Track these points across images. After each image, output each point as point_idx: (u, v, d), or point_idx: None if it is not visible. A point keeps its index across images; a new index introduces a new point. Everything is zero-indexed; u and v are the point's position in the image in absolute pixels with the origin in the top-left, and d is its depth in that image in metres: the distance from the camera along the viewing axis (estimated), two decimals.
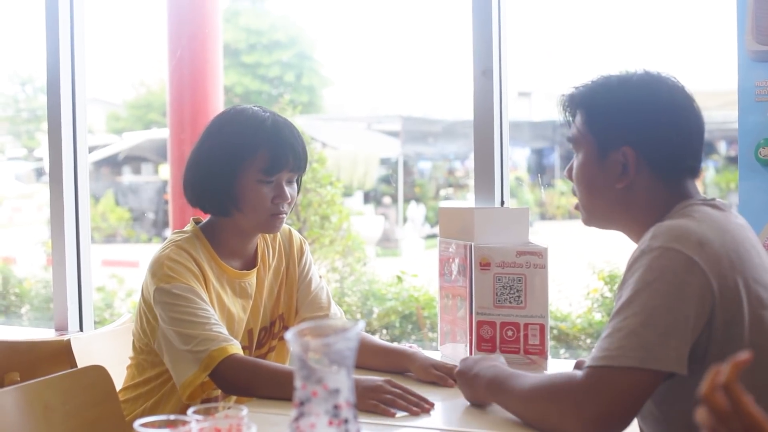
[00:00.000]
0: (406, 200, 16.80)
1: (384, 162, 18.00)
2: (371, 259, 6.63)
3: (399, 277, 5.95)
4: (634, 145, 1.79)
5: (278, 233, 2.52)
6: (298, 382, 1.21)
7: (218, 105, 6.06)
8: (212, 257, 2.36)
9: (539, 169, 18.63)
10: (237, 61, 19.99)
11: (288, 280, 2.55)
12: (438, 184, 18.74)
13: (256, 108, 2.38)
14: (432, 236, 15.31)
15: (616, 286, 4.54)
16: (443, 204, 15.59)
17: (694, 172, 1.85)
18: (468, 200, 16.57)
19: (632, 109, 1.81)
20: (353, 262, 6.39)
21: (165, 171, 15.82)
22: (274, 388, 2.12)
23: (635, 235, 1.84)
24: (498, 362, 1.98)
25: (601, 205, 1.87)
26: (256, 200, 2.30)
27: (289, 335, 1.20)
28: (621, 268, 4.50)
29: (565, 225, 15.42)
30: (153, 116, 20.03)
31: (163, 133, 15.65)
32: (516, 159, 17.68)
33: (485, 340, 2.41)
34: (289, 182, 2.36)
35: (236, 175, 2.30)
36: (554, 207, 16.42)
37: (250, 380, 2.16)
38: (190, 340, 2.17)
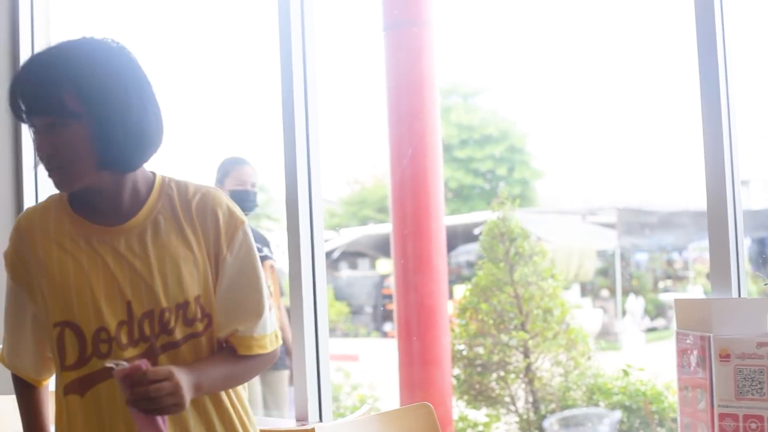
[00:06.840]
0: (624, 293, 16.48)
1: (600, 254, 17.76)
2: (594, 353, 6.55)
3: (625, 371, 5.87)
4: None
5: (202, 202, 1.98)
6: None
7: (439, 201, 6.21)
8: (64, 209, 1.98)
9: (762, 260, 17.93)
10: (450, 156, 20.33)
11: (211, 262, 1.98)
12: (656, 276, 18.31)
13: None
14: (652, 329, 14.94)
15: None
16: (678, 296, 15.22)
17: None
18: (689, 292, 16.10)
19: None
20: (577, 356, 6.32)
21: (383, 265, 16.13)
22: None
23: None
24: None
25: None
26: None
27: (546, 424, 1.24)
28: None
29: None
30: (367, 212, 20.48)
31: (380, 229, 16.04)
32: None
33: None
34: (46, 130, 1.81)
35: None
36: None
37: None
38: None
